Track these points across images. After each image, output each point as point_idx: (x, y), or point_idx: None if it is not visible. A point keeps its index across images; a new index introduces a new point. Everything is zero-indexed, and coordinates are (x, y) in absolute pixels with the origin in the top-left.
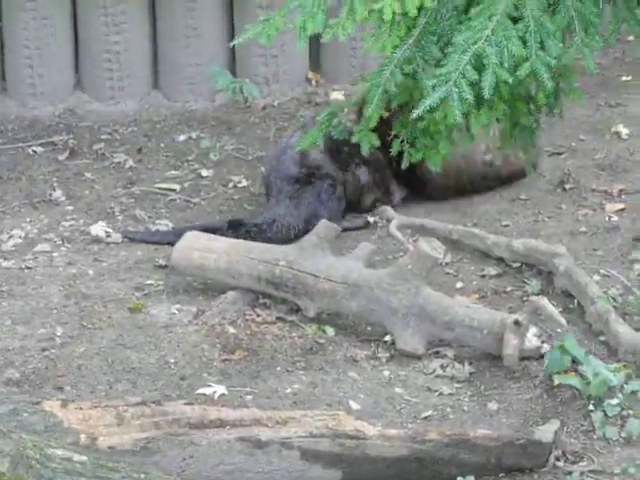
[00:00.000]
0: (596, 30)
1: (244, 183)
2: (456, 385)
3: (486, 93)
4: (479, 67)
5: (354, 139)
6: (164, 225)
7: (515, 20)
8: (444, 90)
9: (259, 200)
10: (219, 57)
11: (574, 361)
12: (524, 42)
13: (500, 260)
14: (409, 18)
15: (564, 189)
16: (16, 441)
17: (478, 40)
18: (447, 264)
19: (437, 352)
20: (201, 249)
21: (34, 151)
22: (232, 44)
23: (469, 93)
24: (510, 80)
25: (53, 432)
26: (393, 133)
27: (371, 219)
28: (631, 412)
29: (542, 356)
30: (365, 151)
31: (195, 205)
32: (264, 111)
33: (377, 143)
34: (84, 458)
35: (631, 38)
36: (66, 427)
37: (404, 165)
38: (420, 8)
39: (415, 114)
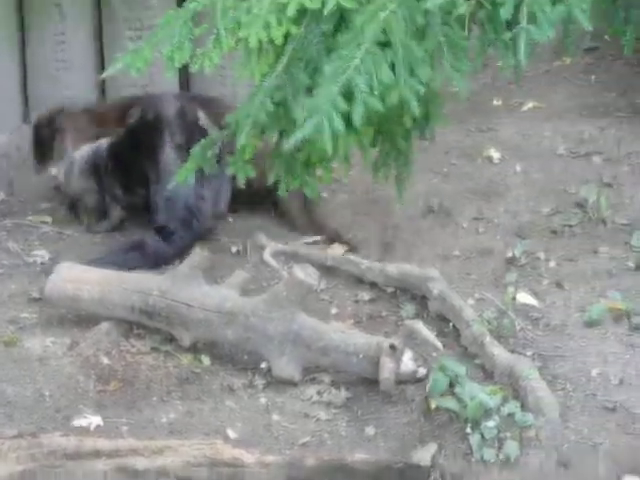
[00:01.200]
0: (465, 54)
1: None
2: (333, 410)
3: (356, 122)
4: (349, 96)
5: (229, 171)
6: (39, 257)
7: (384, 46)
8: (315, 122)
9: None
10: (90, 88)
11: (451, 384)
12: (393, 69)
13: (374, 285)
14: (276, 45)
15: (434, 213)
16: None
17: (347, 69)
18: (322, 290)
19: (314, 378)
20: (74, 280)
21: None
22: (102, 76)
23: (340, 124)
24: (381, 108)
25: None
26: (269, 163)
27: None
28: (508, 434)
29: (418, 380)
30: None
31: (68, 237)
32: None
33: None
34: None
35: (500, 63)
36: None
37: (280, 194)
38: (286, 35)
39: (288, 146)
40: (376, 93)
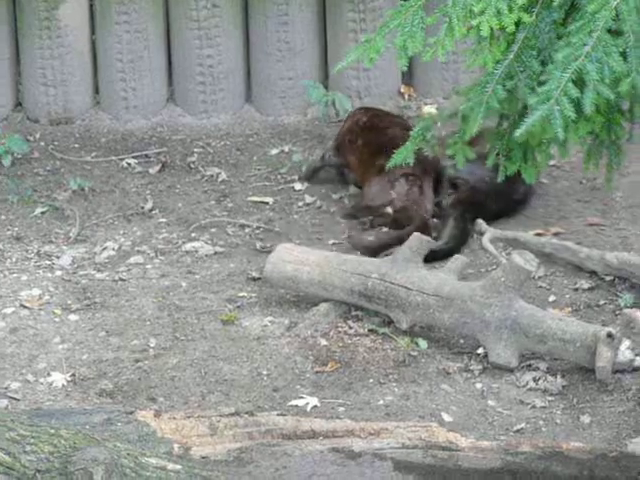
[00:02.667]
0: None
1: (335, 197)
2: (549, 398)
3: (587, 109)
4: (580, 84)
5: (448, 153)
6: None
7: (614, 35)
8: (546, 108)
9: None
10: (311, 71)
11: None
12: (624, 57)
13: (593, 273)
14: (508, 33)
15: None
16: (110, 449)
17: (578, 57)
18: (540, 277)
19: (530, 365)
20: (294, 261)
21: (127, 164)
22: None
23: (571, 110)
24: (611, 96)
25: (146, 441)
26: (488, 146)
27: None
28: None
29: (635, 369)
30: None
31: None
32: None
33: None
34: (178, 467)
35: None
36: (159, 437)
37: (500, 179)
38: (518, 23)
39: (518, 132)
40: (607, 81)
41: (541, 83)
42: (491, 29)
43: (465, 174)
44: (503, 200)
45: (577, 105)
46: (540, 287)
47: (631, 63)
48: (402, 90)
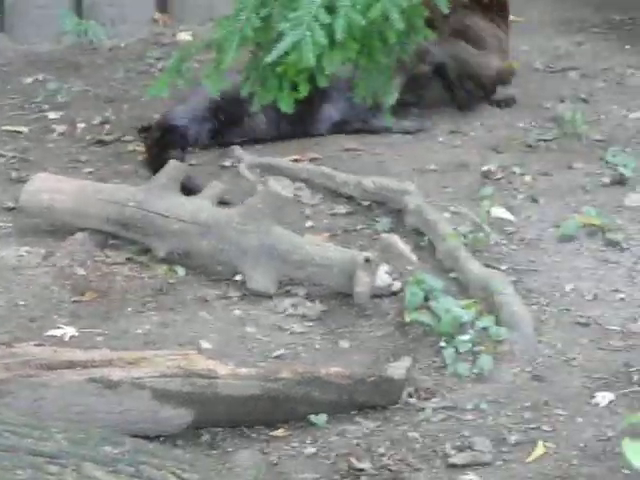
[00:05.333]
0: None
1: (95, 122)
2: (307, 324)
3: (339, 36)
4: (331, 10)
5: (203, 82)
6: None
7: None
8: (298, 33)
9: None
10: None
11: (426, 298)
12: None
13: (350, 198)
14: None
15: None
16: None
17: None
18: (298, 203)
19: (288, 291)
20: (50, 190)
21: None
22: None
23: (322, 36)
24: (362, 22)
25: None
26: (244, 75)
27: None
28: (482, 348)
29: (393, 294)
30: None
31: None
32: (111, 52)
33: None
34: None
35: None
36: None
37: (254, 108)
38: None
39: (270, 58)
40: (358, 7)
41: (294, 11)
42: None
43: None
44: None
45: (330, 32)
46: (298, 213)
47: None
48: (156, 17)
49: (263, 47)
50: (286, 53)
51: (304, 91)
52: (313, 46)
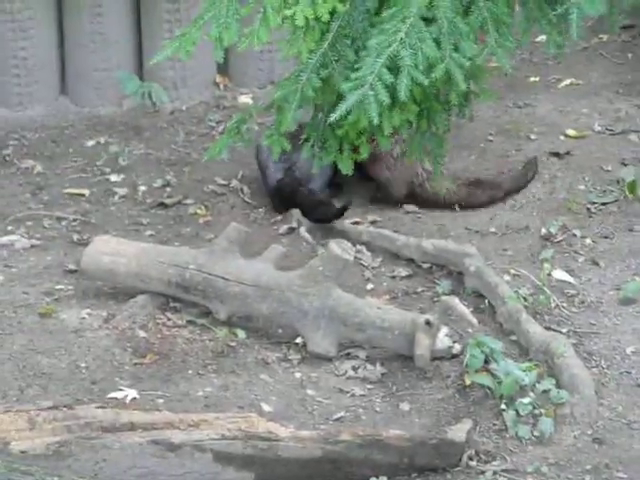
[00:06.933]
0: (509, 30)
1: (156, 185)
2: (368, 386)
3: (402, 95)
4: (394, 69)
5: (264, 143)
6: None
7: (428, 22)
8: (360, 93)
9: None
10: (126, 62)
11: (486, 361)
12: (438, 44)
13: (410, 261)
14: (322, 23)
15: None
16: None
17: (392, 43)
18: (359, 266)
19: (349, 354)
20: (111, 253)
21: None
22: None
23: (385, 95)
24: (425, 82)
25: None
26: (303, 137)
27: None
28: (543, 411)
29: (454, 356)
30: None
31: (104, 208)
32: (172, 115)
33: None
34: None
35: (540, 38)
36: None
37: (314, 169)
38: (332, 12)
39: (333, 117)
40: (421, 67)
41: (355, 71)
42: (306, 18)
43: None
44: None
45: (392, 91)
46: (359, 276)
47: (445, 49)
48: (217, 80)
49: (324, 108)
50: (347, 114)
51: (365, 152)
52: (376, 105)
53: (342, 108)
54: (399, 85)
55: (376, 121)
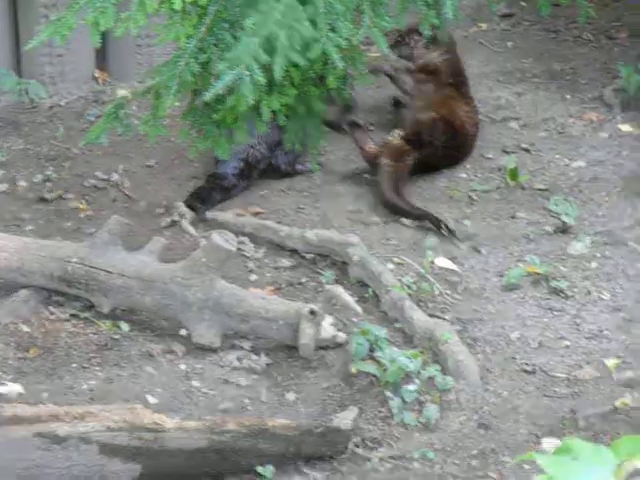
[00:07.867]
0: (385, 11)
1: (36, 180)
2: (253, 377)
3: (277, 75)
4: (270, 50)
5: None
6: None
7: (304, 2)
8: (235, 72)
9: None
10: (3, 58)
11: (371, 349)
12: (314, 24)
13: (294, 252)
14: (200, 7)
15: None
16: None
17: (268, 23)
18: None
19: (233, 344)
20: None
21: None
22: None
23: (260, 75)
24: (302, 62)
25: None
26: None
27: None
28: (428, 397)
29: (339, 345)
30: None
31: None
32: (51, 111)
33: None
34: None
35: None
36: None
37: (191, 154)
38: None
39: (206, 98)
40: (297, 47)
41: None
42: (183, 2)
43: None
44: None
45: (269, 72)
46: (242, 267)
47: (321, 29)
48: (96, 75)
49: (201, 93)
50: (224, 97)
51: (241, 138)
52: (251, 85)
53: (217, 87)
54: (275, 65)
55: (251, 101)
